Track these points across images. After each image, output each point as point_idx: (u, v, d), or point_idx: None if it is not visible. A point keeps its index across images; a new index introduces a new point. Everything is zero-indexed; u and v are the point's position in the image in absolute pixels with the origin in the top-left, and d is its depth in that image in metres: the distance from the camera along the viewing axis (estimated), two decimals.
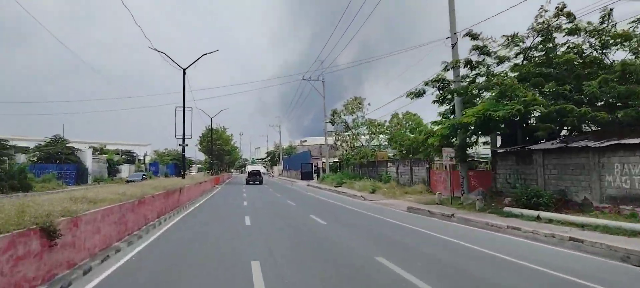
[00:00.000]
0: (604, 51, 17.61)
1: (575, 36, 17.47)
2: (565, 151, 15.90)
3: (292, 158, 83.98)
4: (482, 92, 19.91)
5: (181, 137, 26.31)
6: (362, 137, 44.74)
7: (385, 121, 47.83)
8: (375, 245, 10.32)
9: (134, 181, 21.96)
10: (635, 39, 15.88)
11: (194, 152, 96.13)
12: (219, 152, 67.66)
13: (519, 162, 18.72)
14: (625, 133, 14.18)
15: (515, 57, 19.01)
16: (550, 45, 18.05)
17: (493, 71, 19.65)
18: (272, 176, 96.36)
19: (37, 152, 51.74)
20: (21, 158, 52.60)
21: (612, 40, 16.26)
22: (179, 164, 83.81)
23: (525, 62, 19.11)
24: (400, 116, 49.48)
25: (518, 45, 18.16)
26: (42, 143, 52.87)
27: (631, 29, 15.94)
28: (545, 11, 17.53)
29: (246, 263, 8.12)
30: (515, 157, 19.02)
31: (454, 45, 19.57)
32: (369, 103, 43.53)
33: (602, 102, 16.36)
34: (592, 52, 17.52)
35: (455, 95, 19.36)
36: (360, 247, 10.03)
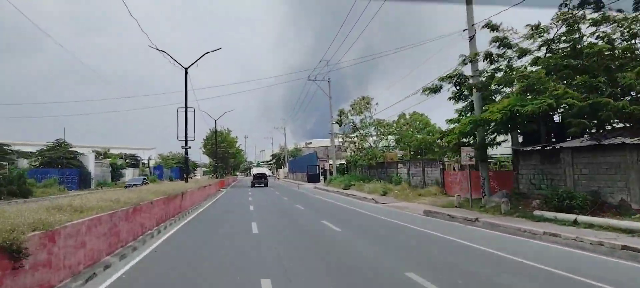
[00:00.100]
0: (633, 41, 16.33)
1: (604, 26, 16.20)
2: (598, 149, 14.58)
3: (298, 160, 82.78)
4: (503, 88, 18.67)
5: (184, 138, 25.17)
6: (370, 138, 43.46)
7: (393, 122, 46.62)
8: (400, 256, 9.10)
9: (133, 186, 20.85)
10: None
11: (198, 156, 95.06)
12: (224, 155, 66.59)
13: (544, 161, 17.43)
14: None
15: (539, 49, 17.74)
16: (576, 36, 16.79)
17: (513, 65, 18.40)
18: (278, 179, 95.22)
19: (39, 157, 50.96)
20: (23, 163, 51.85)
21: None
22: (183, 168, 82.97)
23: (548, 54, 17.84)
24: (408, 116, 48.22)
25: (541, 36, 16.88)
26: (45, 148, 52.12)
27: None
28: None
29: (255, 282, 6.93)
30: (540, 156, 17.72)
31: (471, 38, 18.31)
32: (376, 103, 42.26)
33: (631, 96, 15.08)
34: (622, 42, 16.23)
35: (474, 90, 18.11)
36: (384, 259, 8.82)
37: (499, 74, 18.83)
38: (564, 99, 13.26)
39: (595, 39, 16.04)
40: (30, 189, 34.63)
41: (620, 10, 15.94)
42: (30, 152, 55.00)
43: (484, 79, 18.11)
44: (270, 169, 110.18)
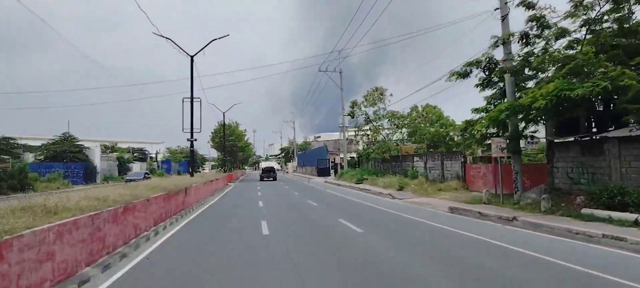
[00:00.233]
0: None
1: None
2: None
3: (307, 154, 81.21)
4: (538, 73, 16.91)
5: (189, 130, 23.68)
6: (383, 130, 41.68)
7: (407, 114, 44.79)
8: (441, 267, 7.48)
9: (134, 180, 19.43)
10: None
11: (207, 150, 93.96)
12: (232, 148, 65.19)
13: (584, 153, 15.68)
14: None
15: (579, 29, 15.90)
16: (624, 13, 14.96)
17: (549, 48, 16.57)
18: (287, 172, 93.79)
19: (44, 151, 49.97)
20: (29, 157, 50.95)
21: None
22: (194, 162, 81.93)
23: (588, 36, 16.00)
24: (420, 109, 46.34)
25: (586, 13, 15.05)
26: (51, 142, 51.10)
27: None
28: None
29: None
30: (579, 147, 15.98)
31: (504, 18, 16.55)
32: (391, 94, 40.37)
33: None
34: None
35: (506, 75, 16.35)
36: (424, 272, 7.21)
37: (533, 58, 17.04)
38: (619, 82, 11.47)
39: None
40: (32, 184, 33.42)
41: None
42: (37, 147, 54.09)
43: (519, 61, 16.30)
44: (279, 163, 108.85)
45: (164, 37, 23.06)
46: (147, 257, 8.47)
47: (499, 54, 17.79)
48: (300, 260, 8.04)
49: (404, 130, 42.86)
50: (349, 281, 6.57)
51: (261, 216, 15.27)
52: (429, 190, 24.61)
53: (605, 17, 15.52)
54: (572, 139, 16.69)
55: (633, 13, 14.85)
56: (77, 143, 50.61)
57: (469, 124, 19.52)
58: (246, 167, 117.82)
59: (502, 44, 16.48)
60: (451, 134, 45.80)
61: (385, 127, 41.65)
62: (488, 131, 19.47)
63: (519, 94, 16.32)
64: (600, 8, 15.28)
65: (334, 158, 60.40)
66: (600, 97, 14.77)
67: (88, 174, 47.52)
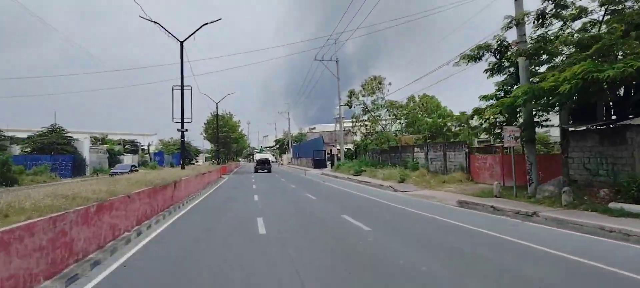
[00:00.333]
0: None
1: None
2: None
3: (303, 146, 79.93)
4: (553, 58, 15.76)
5: (180, 120, 22.34)
6: (382, 121, 40.47)
7: (406, 104, 43.63)
8: (466, 273, 6.32)
9: (120, 174, 18.12)
10: None
11: (201, 141, 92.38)
12: (226, 140, 63.74)
13: (604, 142, 14.59)
14: None
15: (599, 8, 14.72)
16: None
17: (567, 29, 15.41)
18: (281, 164, 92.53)
19: (31, 143, 48.32)
20: (15, 149, 49.35)
21: None
22: (186, 153, 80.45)
23: (607, 16, 14.85)
24: (417, 99, 45.19)
25: None
26: (38, 133, 49.44)
27: None
28: None
29: None
30: (598, 136, 14.88)
31: None
32: (389, 83, 39.08)
33: None
34: None
35: (521, 59, 15.18)
36: (453, 282, 6.04)
37: (550, 40, 15.83)
38: None
39: None
40: (16, 177, 31.96)
41: None
42: (24, 139, 52.39)
43: (530, 46, 15.10)
44: (273, 155, 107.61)
45: (151, 21, 21.66)
46: (123, 265, 7.23)
47: (510, 37, 16.63)
48: (305, 268, 6.84)
49: (402, 120, 41.75)
50: None
51: (257, 212, 14.05)
52: (432, 182, 23.51)
53: None
54: (589, 127, 15.60)
55: None
56: (65, 135, 49.03)
57: (477, 112, 18.38)
58: (240, 159, 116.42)
59: (516, 25, 15.29)
60: (449, 124, 44.90)
61: (384, 117, 40.47)
62: (497, 119, 18.38)
63: (535, 79, 15.15)
64: None
65: (331, 150, 59.21)
66: (620, 82, 13.67)
67: (77, 167, 46.05)
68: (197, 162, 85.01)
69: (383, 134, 37.40)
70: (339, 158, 48.59)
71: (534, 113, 16.64)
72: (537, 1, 14.87)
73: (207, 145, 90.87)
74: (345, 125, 50.26)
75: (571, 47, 15.15)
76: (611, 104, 15.52)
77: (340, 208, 14.73)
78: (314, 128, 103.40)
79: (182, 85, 21.48)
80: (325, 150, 60.74)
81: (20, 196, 6.47)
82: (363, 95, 38.74)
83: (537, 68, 17.13)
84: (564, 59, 15.13)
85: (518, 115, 17.17)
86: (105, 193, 8.42)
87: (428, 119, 43.87)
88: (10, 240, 4.95)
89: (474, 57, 15.99)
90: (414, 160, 30.98)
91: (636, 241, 8.49)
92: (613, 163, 14.16)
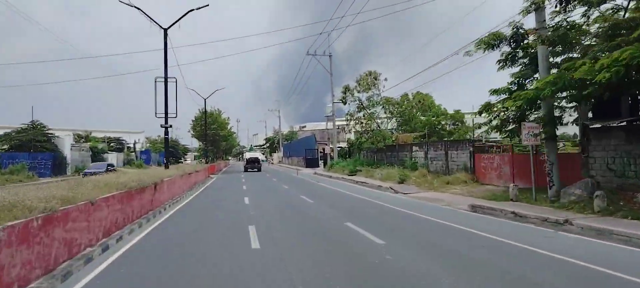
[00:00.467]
0: None
1: None
2: None
3: (294, 144, 78.13)
4: (575, 46, 14.32)
5: (163, 115, 20.51)
6: (377, 119, 38.96)
7: (403, 101, 42.23)
8: None
9: (94, 174, 16.28)
10: None
11: (189, 140, 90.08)
12: (214, 138, 61.72)
13: (631, 140, 13.22)
14: None
15: None
16: None
17: (590, 15, 14.00)
18: (272, 163, 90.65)
19: (8, 140, 45.84)
20: None
21: None
22: (173, 152, 78.28)
23: (632, 3, 13.46)
24: (411, 97, 43.86)
25: None
26: (16, 130, 46.99)
27: None
28: None
29: None
30: (624, 134, 13.50)
31: None
32: (385, 78, 37.52)
33: None
34: None
35: (541, 47, 13.73)
36: None
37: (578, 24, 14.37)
38: None
39: None
40: None
41: None
42: (1, 136, 49.86)
43: (552, 33, 13.64)
44: (263, 154, 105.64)
45: (133, 6, 19.83)
46: None
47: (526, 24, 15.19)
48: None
49: (397, 118, 40.34)
50: None
51: (248, 219, 12.34)
52: (435, 183, 22.03)
53: None
54: (611, 124, 14.22)
55: None
56: (46, 131, 46.62)
57: (486, 107, 16.92)
58: (230, 158, 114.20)
59: (535, 9, 13.81)
60: (443, 123, 43.60)
61: (380, 114, 38.99)
62: (509, 116, 16.94)
63: (553, 70, 13.71)
64: None
65: (323, 149, 57.57)
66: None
67: (57, 166, 43.74)
68: (185, 160, 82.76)
69: (379, 132, 35.89)
70: (332, 158, 46.99)
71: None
72: None
73: (196, 144, 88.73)
74: (338, 123, 48.69)
75: (591, 37, 13.79)
76: (639, 98, 14.16)
77: (341, 214, 13.10)
78: (305, 126, 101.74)
79: (165, 76, 19.65)
80: (317, 149, 59.11)
81: None
82: (358, 91, 37.15)
83: (553, 58, 15.73)
84: (592, 46, 13.70)
85: (531, 111, 15.78)
86: (58, 200, 6.68)
87: (422, 118, 42.58)
88: None
89: (490, 44, 14.46)
90: (413, 159, 29.51)
91: None
92: None
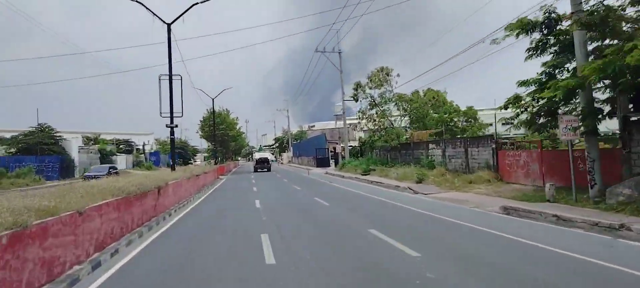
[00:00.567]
0: None
1: None
2: None
3: (304, 144, 76.96)
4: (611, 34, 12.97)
5: (168, 114, 19.46)
6: (391, 116, 37.62)
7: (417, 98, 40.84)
8: None
9: (95, 177, 15.27)
10: None
11: (199, 141, 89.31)
12: (223, 138, 60.82)
13: None
14: None
15: None
16: None
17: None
18: (281, 163, 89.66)
19: (16, 143, 45.31)
20: (0, 150, 46.47)
21: None
22: (182, 153, 77.57)
23: None
24: (422, 94, 42.50)
25: None
26: (24, 133, 46.45)
27: None
28: None
29: None
30: None
31: None
32: (397, 74, 36.14)
33: None
34: None
35: (577, 32, 12.40)
36: None
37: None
38: None
39: None
40: None
41: None
42: (8, 139, 49.36)
43: (595, 14, 12.29)
44: (273, 153, 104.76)
45: (135, 0, 18.84)
46: None
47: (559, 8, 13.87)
48: None
49: (410, 115, 38.97)
50: None
51: (260, 225, 11.21)
52: (456, 182, 20.74)
53: None
54: None
55: None
56: (54, 134, 46.03)
57: (514, 100, 15.62)
58: (239, 158, 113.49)
59: None
60: (455, 119, 42.16)
61: (393, 112, 37.66)
62: (541, 108, 15.61)
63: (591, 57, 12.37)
64: None
65: (334, 148, 56.37)
66: None
67: (65, 168, 43.18)
68: (195, 161, 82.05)
69: (393, 130, 34.58)
70: (343, 157, 45.78)
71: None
72: None
73: (205, 144, 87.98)
74: (348, 121, 47.46)
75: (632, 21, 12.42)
76: None
77: (363, 219, 11.92)
78: (314, 126, 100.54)
79: (170, 73, 18.61)
80: (327, 148, 57.91)
81: None
82: (370, 88, 35.86)
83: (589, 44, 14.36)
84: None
85: (564, 104, 14.44)
86: (35, 212, 5.59)
87: (435, 115, 41.20)
88: None
89: (524, 28, 13.13)
90: (429, 157, 28.20)
91: None
92: None
